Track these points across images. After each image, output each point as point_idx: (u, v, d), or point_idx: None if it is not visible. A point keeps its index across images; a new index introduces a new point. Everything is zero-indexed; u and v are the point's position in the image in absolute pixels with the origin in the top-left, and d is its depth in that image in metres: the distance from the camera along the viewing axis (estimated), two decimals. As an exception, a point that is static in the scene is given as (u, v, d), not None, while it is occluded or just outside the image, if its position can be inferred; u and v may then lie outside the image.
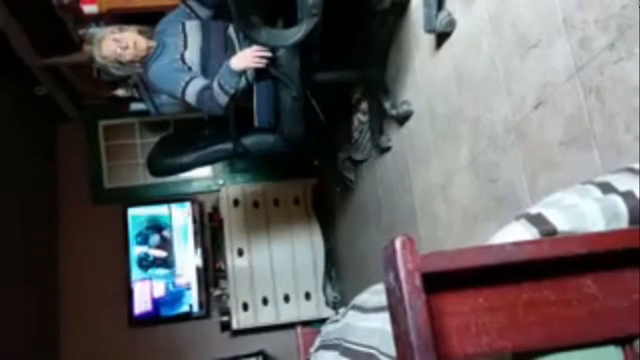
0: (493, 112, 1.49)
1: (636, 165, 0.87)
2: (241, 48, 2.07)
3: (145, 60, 2.17)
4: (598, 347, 0.74)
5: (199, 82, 2.10)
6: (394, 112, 2.10)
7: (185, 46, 2.15)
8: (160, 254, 3.64)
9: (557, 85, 1.22)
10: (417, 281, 0.67)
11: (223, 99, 2.04)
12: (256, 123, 2.11)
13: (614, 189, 0.81)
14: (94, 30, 2.51)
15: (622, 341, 0.75)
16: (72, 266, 3.59)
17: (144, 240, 3.64)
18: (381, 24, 2.08)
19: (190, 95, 2.10)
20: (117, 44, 2.15)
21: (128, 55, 2.15)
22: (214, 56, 2.13)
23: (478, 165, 1.61)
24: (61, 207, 3.72)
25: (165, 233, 3.69)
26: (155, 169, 2.54)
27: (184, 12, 2.22)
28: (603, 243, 0.72)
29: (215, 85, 2.04)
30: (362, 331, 1.19)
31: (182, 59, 2.14)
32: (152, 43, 2.18)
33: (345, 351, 1.25)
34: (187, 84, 2.09)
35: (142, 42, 2.17)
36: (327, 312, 3.33)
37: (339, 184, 3.07)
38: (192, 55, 2.14)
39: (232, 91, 2.00)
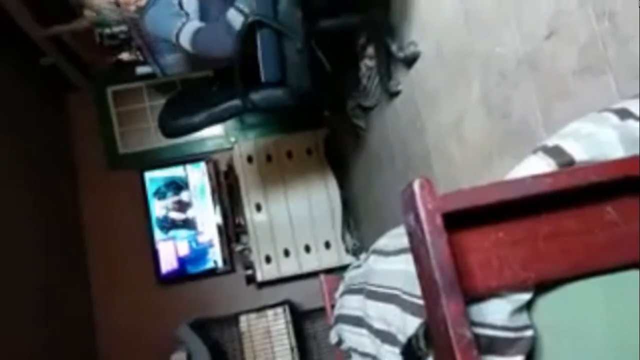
0: (503, 45, 1.46)
1: (653, 89, 0.85)
2: None
3: (141, 6, 2.13)
4: (620, 272, 0.75)
5: (193, 24, 2.06)
6: (401, 54, 2.06)
7: None
8: (179, 216, 3.71)
9: (569, 12, 1.19)
10: (438, 221, 0.68)
11: (238, 22, 1.97)
12: (263, 78, 2.08)
13: (631, 115, 0.80)
14: None
15: (644, 264, 0.76)
16: (97, 232, 3.68)
17: (162, 196, 3.71)
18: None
19: (185, 39, 2.05)
20: None
21: None
22: (212, 4, 2.09)
23: (490, 101, 1.59)
24: (79, 176, 3.78)
25: (183, 193, 3.74)
26: (168, 130, 2.55)
27: None
28: (622, 169, 0.72)
29: (231, 12, 1.99)
30: (385, 274, 1.22)
31: (180, 4, 2.09)
32: None
33: (370, 294, 1.28)
34: (181, 28, 2.05)
35: None
36: (348, 259, 3.39)
37: (350, 133, 3.06)
38: (190, 2, 2.09)
39: (247, 10, 1.93)
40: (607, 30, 1.09)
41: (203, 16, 2.09)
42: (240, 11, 1.95)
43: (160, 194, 3.73)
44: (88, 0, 2.19)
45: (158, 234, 3.67)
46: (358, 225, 3.58)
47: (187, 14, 2.07)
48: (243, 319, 3.37)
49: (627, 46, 1.05)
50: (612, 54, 1.08)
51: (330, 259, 3.52)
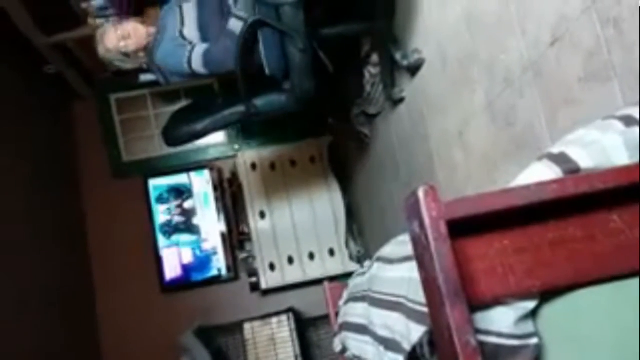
0: (507, 52, 1.46)
1: (658, 95, 0.85)
2: (237, 6, 2.03)
3: (150, 48, 2.18)
4: (625, 279, 0.75)
5: (200, 47, 2.08)
6: (405, 62, 2.06)
7: (182, 23, 2.14)
8: (182, 219, 3.71)
9: (573, 19, 1.18)
10: (442, 228, 0.68)
11: (240, 28, 1.97)
12: (267, 72, 2.08)
13: (636, 121, 0.79)
14: (99, 21, 2.52)
15: (650, 272, 0.75)
16: (101, 241, 3.69)
17: (165, 201, 3.71)
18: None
19: (197, 63, 2.07)
20: (118, 36, 2.16)
21: (131, 44, 2.17)
22: (212, 25, 2.11)
23: (494, 109, 1.58)
24: (83, 184, 3.79)
25: (188, 200, 3.75)
26: (170, 138, 2.55)
27: None
28: (627, 177, 0.71)
29: (232, 22, 2.01)
30: (390, 281, 1.21)
31: (182, 36, 2.12)
32: (152, 29, 2.18)
33: (374, 302, 1.27)
34: (190, 55, 2.07)
35: (142, 29, 2.18)
36: (352, 266, 3.38)
37: (354, 140, 3.06)
38: (191, 30, 2.12)
39: (245, 16, 1.94)
40: (612, 36, 1.09)
41: (205, 38, 2.12)
42: (240, 18, 1.97)
43: (162, 199, 3.74)
44: (100, 55, 2.25)
45: (162, 241, 3.67)
46: (362, 233, 3.57)
47: (190, 42, 2.11)
48: (247, 326, 3.36)
49: (633, 53, 1.04)
50: (618, 60, 1.08)
51: (335, 266, 3.51)
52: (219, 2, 2.13)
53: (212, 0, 2.16)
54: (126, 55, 2.20)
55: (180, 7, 2.18)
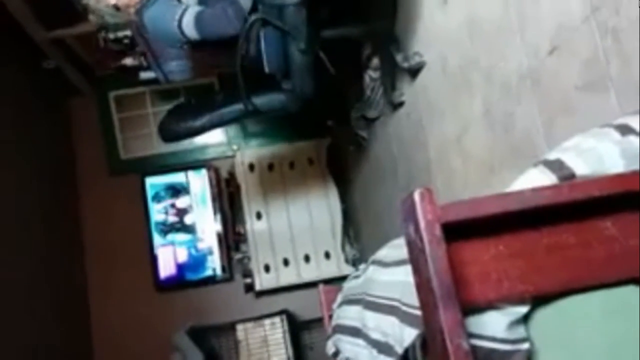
0: (507, 60, 1.47)
1: (655, 105, 0.85)
2: None
3: (140, 7, 2.11)
4: (618, 287, 0.75)
5: (194, 9, 1.98)
6: (405, 64, 2.07)
7: None
8: (177, 218, 3.71)
9: (572, 28, 1.19)
10: (437, 231, 0.68)
11: (246, 2, 1.91)
12: (266, 70, 2.05)
13: (632, 130, 0.80)
14: None
15: (642, 280, 0.76)
16: (96, 237, 3.68)
17: (161, 199, 3.71)
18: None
19: (189, 25, 1.96)
20: None
21: None
22: (211, 1, 2.06)
23: (493, 115, 1.59)
24: (80, 181, 3.78)
25: (184, 199, 3.74)
26: (166, 134, 2.54)
27: None
28: (622, 185, 0.72)
29: None
30: (384, 284, 1.21)
31: None
32: None
33: (368, 304, 1.27)
34: (182, 15, 1.97)
35: None
36: (348, 269, 3.38)
37: (353, 143, 3.06)
38: None
39: None
40: (611, 46, 1.09)
41: (202, 2, 2.06)
42: None
43: (159, 198, 3.73)
44: (90, 5, 2.18)
45: (157, 239, 3.67)
46: (358, 236, 3.58)
47: (186, 5, 2.04)
48: (240, 327, 3.36)
49: (630, 63, 1.05)
50: (615, 70, 1.09)
51: (330, 269, 3.51)
52: None
53: None
54: (116, 8, 2.13)
55: None
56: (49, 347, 2.97)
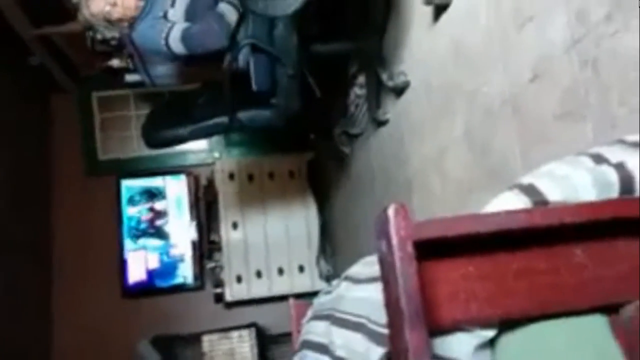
0: (489, 85, 1.49)
1: (628, 138, 0.87)
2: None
3: (132, 22, 2.13)
4: (585, 315, 0.75)
5: (181, 25, 2.02)
6: (390, 83, 2.09)
7: (172, 4, 2.10)
8: (150, 223, 3.65)
9: (554, 58, 1.21)
10: (409, 248, 0.68)
11: (232, 17, 1.95)
12: (254, 88, 2.07)
13: (606, 160, 0.81)
14: None
15: (609, 309, 0.76)
16: (66, 237, 3.60)
17: (135, 203, 3.65)
18: (378, -5, 2.05)
19: (175, 40, 2.00)
20: (105, 1, 2.11)
21: (116, 12, 2.11)
22: (199, 12, 2.08)
23: (473, 138, 1.61)
24: (54, 179, 3.71)
25: (159, 203, 3.69)
26: (151, 140, 2.53)
27: None
28: (594, 213, 0.72)
29: (221, 5, 1.97)
30: (354, 301, 1.20)
31: (165, 16, 2.08)
32: (141, 3, 2.14)
33: (336, 321, 1.26)
34: (169, 31, 2.01)
35: (131, 1, 2.12)
36: (321, 285, 3.36)
37: (334, 158, 3.06)
38: (176, 13, 2.07)
39: (236, 1, 1.90)
40: (590, 77, 1.11)
41: (189, 21, 2.09)
42: (231, 3, 1.95)
43: (134, 201, 3.68)
44: (83, 17, 2.19)
45: (128, 244, 3.61)
46: (334, 252, 3.56)
47: (173, 23, 2.08)
48: (206, 339, 3.30)
49: (608, 95, 1.07)
50: (593, 101, 1.11)
51: (303, 283, 3.48)
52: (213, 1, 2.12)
53: None
54: (109, 22, 2.15)
55: None
56: (6, 353, 2.87)
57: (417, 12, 1.87)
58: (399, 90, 2.09)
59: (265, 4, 1.76)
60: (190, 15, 2.07)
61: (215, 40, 1.99)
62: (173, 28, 2.01)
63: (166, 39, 2.00)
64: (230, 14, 1.97)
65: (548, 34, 1.22)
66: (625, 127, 1.00)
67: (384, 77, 2.12)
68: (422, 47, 1.89)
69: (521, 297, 0.74)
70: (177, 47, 2.01)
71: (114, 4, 2.10)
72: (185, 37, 1.99)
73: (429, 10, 1.77)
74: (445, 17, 1.70)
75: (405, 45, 2.01)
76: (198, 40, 1.99)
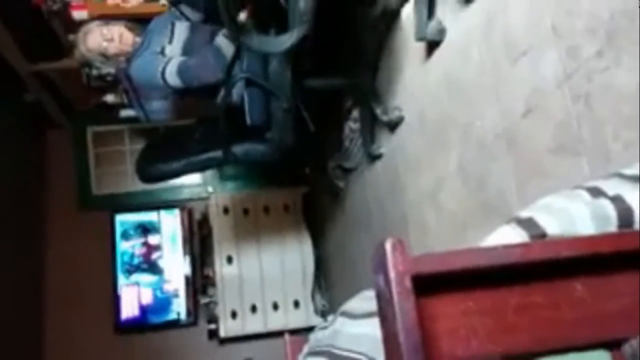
0: (483, 119, 1.50)
1: (625, 171, 0.87)
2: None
3: (129, 57, 2.15)
4: (587, 351, 0.74)
5: (177, 59, 2.03)
6: (385, 117, 2.10)
7: (170, 41, 2.13)
8: (144, 258, 3.61)
9: (546, 92, 1.23)
10: (407, 283, 0.67)
11: (228, 50, 1.97)
12: (248, 122, 2.08)
13: (603, 193, 0.81)
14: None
15: (611, 345, 0.75)
16: (58, 272, 3.56)
17: (129, 237, 3.62)
18: (372, 31, 2.09)
19: (172, 74, 2.01)
20: (102, 37, 2.12)
21: (113, 48, 2.12)
22: (196, 48, 2.11)
23: (467, 172, 1.61)
24: (49, 214, 3.69)
25: (153, 238, 3.66)
26: (145, 174, 2.53)
27: (175, 14, 2.22)
28: (592, 246, 0.72)
29: (218, 38, 1.99)
30: (351, 337, 1.19)
31: (163, 52, 2.10)
32: (139, 39, 2.16)
33: (333, 357, 1.23)
34: (165, 66, 2.02)
35: (129, 37, 2.14)
36: (316, 320, 3.31)
37: (329, 192, 3.06)
38: (174, 49, 2.10)
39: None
40: (582, 112, 1.13)
41: (186, 54, 2.11)
42: (228, 37, 1.98)
43: (128, 236, 3.65)
44: (79, 53, 2.22)
45: (121, 279, 3.56)
46: (330, 286, 3.53)
47: (170, 57, 2.10)
48: (201, 376, 3.23)
49: (601, 129, 1.08)
50: (586, 135, 1.12)
51: (298, 318, 3.43)
52: (211, 32, 2.16)
53: (205, 30, 2.19)
54: (105, 57, 2.16)
55: (173, 24, 2.17)
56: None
57: (410, 47, 1.90)
58: (393, 125, 2.10)
59: (260, 41, 1.79)
60: (188, 51, 2.10)
61: (211, 74, 2.01)
62: (170, 62, 2.03)
63: (162, 72, 2.02)
64: (227, 47, 2.00)
65: (540, 69, 1.24)
66: (620, 161, 1.01)
67: (378, 111, 2.14)
68: (416, 82, 1.92)
69: (522, 332, 0.72)
70: (173, 80, 2.03)
71: (111, 40, 2.12)
72: (181, 70, 2.01)
73: (422, 46, 1.80)
74: (438, 52, 1.73)
75: (399, 80, 2.04)
76: (194, 73, 2.02)
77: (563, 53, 1.17)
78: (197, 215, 3.75)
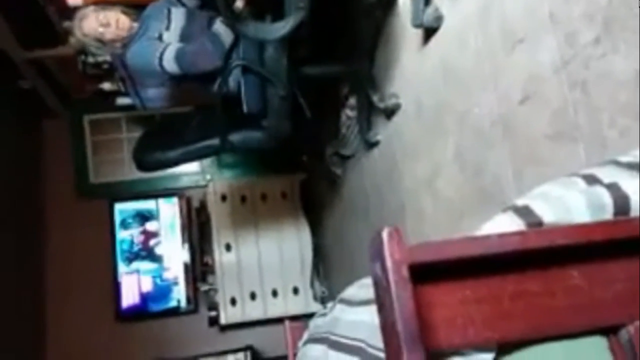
0: (480, 106, 1.50)
1: (621, 158, 0.87)
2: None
3: (126, 42, 2.13)
4: (583, 337, 0.75)
5: (175, 46, 2.02)
6: (382, 104, 2.10)
7: (167, 28, 2.10)
8: (143, 246, 3.62)
9: (543, 79, 1.23)
10: (404, 272, 0.67)
11: (227, 37, 1.95)
12: (245, 109, 2.07)
13: (598, 181, 0.81)
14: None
15: (607, 331, 0.76)
16: (58, 261, 3.57)
17: (128, 226, 3.63)
18: (369, 18, 2.08)
19: (169, 60, 2.00)
20: (98, 22, 2.10)
21: (109, 33, 2.10)
22: (194, 40, 2.09)
23: (464, 159, 1.61)
24: (47, 203, 3.69)
25: (152, 226, 3.67)
26: (142, 163, 2.52)
27: (171, 0, 2.20)
28: (588, 234, 0.72)
29: (217, 25, 1.98)
30: (350, 324, 1.20)
31: (160, 38, 2.08)
32: (135, 24, 2.14)
33: (333, 344, 1.25)
34: (163, 51, 2.01)
35: (126, 22, 2.11)
36: (315, 306, 3.34)
37: (326, 179, 3.07)
38: (171, 36, 2.08)
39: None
40: (579, 99, 1.13)
41: (184, 41, 2.09)
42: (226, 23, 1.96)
43: (126, 224, 3.65)
44: (75, 38, 2.19)
45: (122, 267, 3.58)
46: (328, 273, 3.55)
47: (168, 43, 2.08)
48: (202, 362, 3.26)
49: (598, 116, 1.08)
50: (583, 122, 1.12)
51: (297, 305, 3.46)
52: (209, 19, 2.14)
53: (202, 16, 2.17)
54: (101, 42, 2.14)
55: (169, 10, 2.15)
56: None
57: (407, 34, 1.89)
58: (390, 112, 2.10)
59: (255, 28, 1.78)
60: (186, 37, 2.08)
61: (209, 61, 2.00)
62: (167, 48, 2.02)
63: (160, 58, 2.00)
64: (226, 34, 1.98)
65: (537, 55, 1.24)
66: (616, 148, 1.01)
67: (375, 98, 2.14)
68: (413, 69, 1.91)
69: (518, 320, 0.73)
70: (171, 66, 2.01)
71: (107, 25, 2.10)
72: (179, 57, 1.99)
73: (418, 33, 1.79)
74: (434, 39, 1.72)
75: (395, 68, 2.04)
76: (192, 59, 2.00)
77: (560, 40, 1.16)
78: (195, 203, 3.75)
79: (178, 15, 2.16)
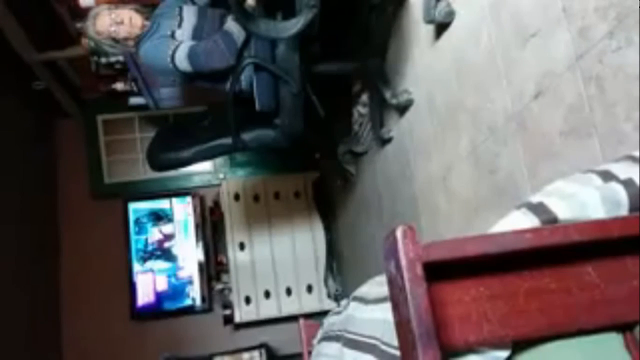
0: (493, 102, 1.49)
1: (636, 153, 0.86)
2: None
3: (138, 40, 2.14)
4: (599, 334, 0.75)
5: (187, 44, 2.02)
6: (394, 101, 2.09)
7: (179, 26, 2.11)
8: (158, 245, 3.65)
9: (557, 74, 1.22)
10: (419, 270, 0.67)
11: (240, 35, 1.96)
12: (257, 107, 2.07)
13: (614, 177, 0.81)
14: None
15: (623, 328, 0.75)
16: (74, 261, 3.61)
17: (143, 226, 3.66)
18: (380, 14, 2.07)
19: (181, 57, 2.00)
20: (112, 20, 2.11)
21: (122, 31, 2.10)
22: (205, 38, 2.09)
23: (478, 155, 1.60)
24: (62, 203, 3.73)
25: (166, 225, 3.70)
26: (156, 163, 2.54)
27: None
28: (603, 231, 0.72)
29: (229, 23, 1.99)
30: (364, 322, 1.20)
31: (173, 35, 2.09)
32: (148, 22, 2.15)
33: (347, 342, 1.25)
34: (175, 49, 2.01)
35: (138, 20, 2.12)
36: (329, 304, 3.34)
37: (340, 177, 3.06)
38: (184, 32, 2.08)
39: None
40: (594, 94, 1.11)
41: (196, 38, 2.10)
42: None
43: (141, 224, 3.69)
44: (89, 35, 2.20)
45: (137, 266, 3.61)
46: (341, 271, 3.55)
47: (180, 41, 2.09)
48: (217, 360, 3.28)
49: (613, 111, 1.07)
50: (598, 117, 1.11)
51: (311, 303, 3.46)
52: (220, 17, 2.14)
53: (215, 14, 2.17)
54: (115, 40, 2.15)
55: (181, 8, 2.16)
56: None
57: (419, 30, 1.88)
58: (403, 108, 2.10)
59: (267, 27, 1.78)
60: (198, 35, 2.08)
61: (221, 59, 2.00)
62: (180, 46, 2.02)
63: (172, 56, 2.01)
64: (239, 32, 1.99)
65: (551, 50, 1.23)
66: (632, 143, 1.00)
67: (387, 95, 2.13)
68: (425, 65, 1.90)
69: (533, 317, 0.73)
70: (183, 64, 2.02)
71: (121, 23, 2.11)
72: (191, 55, 2.00)
73: (430, 29, 1.78)
74: (446, 34, 1.72)
75: (407, 64, 2.03)
76: (204, 58, 2.00)
77: (574, 34, 1.15)
78: (208, 202, 3.77)
79: (189, 13, 2.16)
